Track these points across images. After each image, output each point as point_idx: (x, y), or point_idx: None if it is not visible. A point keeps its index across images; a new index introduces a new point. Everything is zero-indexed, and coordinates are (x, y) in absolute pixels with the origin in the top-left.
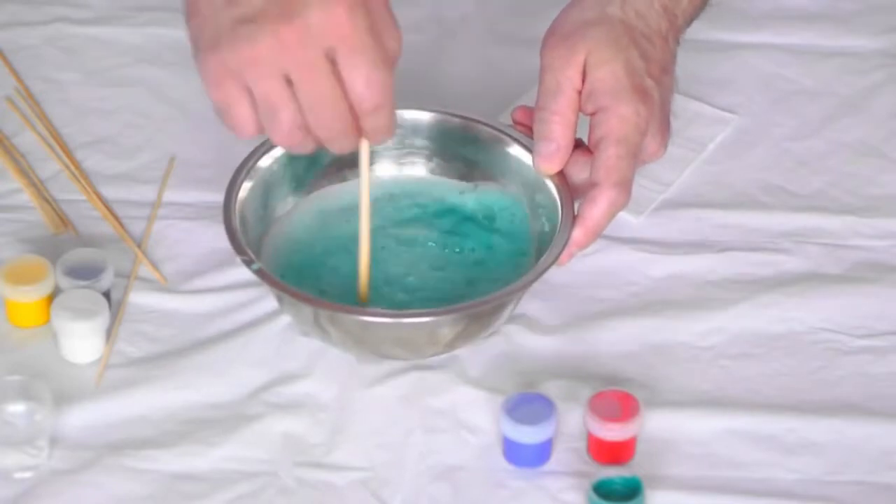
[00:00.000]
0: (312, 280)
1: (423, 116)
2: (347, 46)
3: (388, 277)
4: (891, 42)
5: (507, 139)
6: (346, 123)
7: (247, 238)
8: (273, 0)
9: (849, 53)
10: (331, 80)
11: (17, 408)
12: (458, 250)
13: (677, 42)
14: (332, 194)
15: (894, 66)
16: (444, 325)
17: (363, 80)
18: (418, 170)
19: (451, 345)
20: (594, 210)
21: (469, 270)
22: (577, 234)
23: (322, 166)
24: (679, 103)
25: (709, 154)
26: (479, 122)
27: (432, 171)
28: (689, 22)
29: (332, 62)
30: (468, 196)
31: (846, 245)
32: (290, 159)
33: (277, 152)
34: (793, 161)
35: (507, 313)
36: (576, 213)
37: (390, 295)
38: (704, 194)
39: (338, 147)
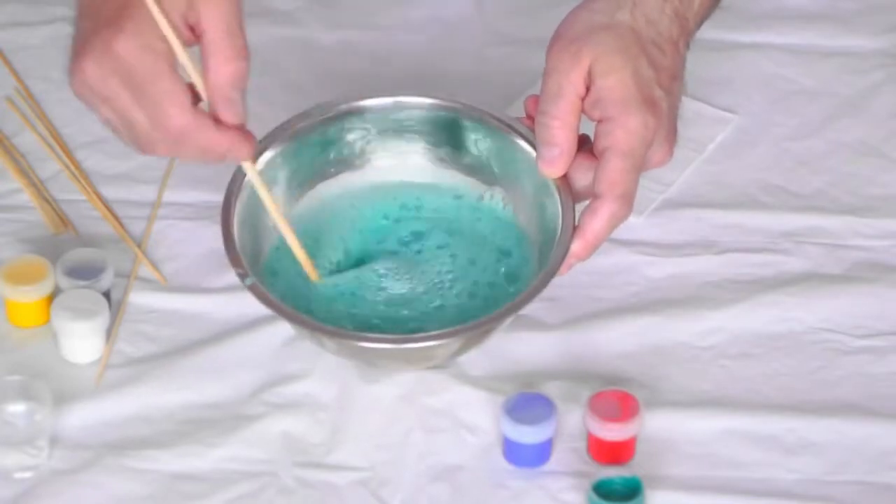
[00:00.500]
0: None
1: (424, 102)
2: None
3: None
4: (891, 42)
5: (515, 134)
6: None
7: (249, 238)
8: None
9: (849, 53)
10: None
11: (17, 408)
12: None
13: (687, 46)
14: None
15: (894, 65)
16: (443, 346)
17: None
18: (418, 159)
19: (450, 358)
20: (594, 223)
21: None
22: (577, 246)
23: (321, 166)
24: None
25: (709, 154)
26: (488, 113)
27: (440, 160)
28: (700, 24)
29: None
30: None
31: (846, 245)
32: (286, 161)
33: (269, 155)
34: (793, 161)
35: (506, 325)
36: (576, 222)
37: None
38: (704, 194)
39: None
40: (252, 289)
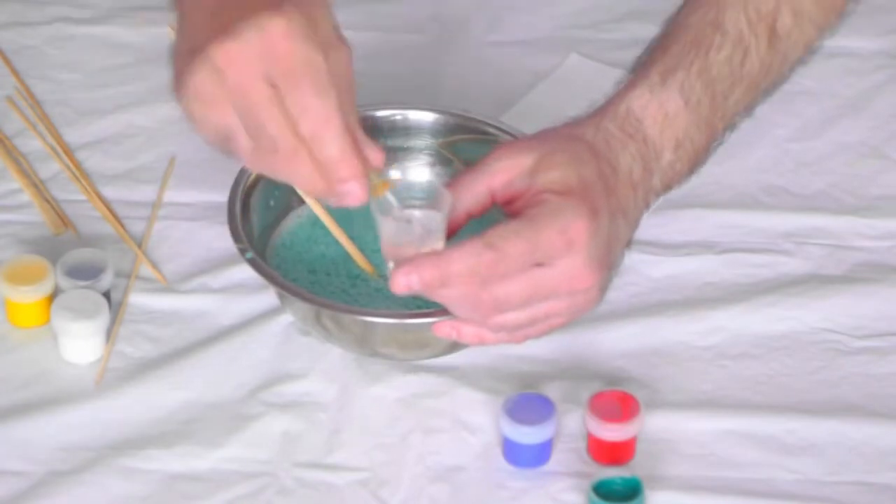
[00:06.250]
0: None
1: (428, 116)
2: (282, 70)
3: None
4: (892, 43)
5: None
6: (295, 156)
7: (251, 229)
8: (213, 23)
9: (850, 54)
10: (269, 107)
11: None
12: None
13: (647, 204)
14: None
15: (895, 66)
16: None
17: (299, 107)
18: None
19: (453, 346)
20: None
21: None
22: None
23: None
24: None
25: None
26: (486, 123)
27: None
28: (667, 186)
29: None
30: None
31: (847, 246)
32: None
33: None
34: (794, 162)
35: None
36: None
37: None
38: (705, 194)
39: (300, 185)
40: (252, 262)
